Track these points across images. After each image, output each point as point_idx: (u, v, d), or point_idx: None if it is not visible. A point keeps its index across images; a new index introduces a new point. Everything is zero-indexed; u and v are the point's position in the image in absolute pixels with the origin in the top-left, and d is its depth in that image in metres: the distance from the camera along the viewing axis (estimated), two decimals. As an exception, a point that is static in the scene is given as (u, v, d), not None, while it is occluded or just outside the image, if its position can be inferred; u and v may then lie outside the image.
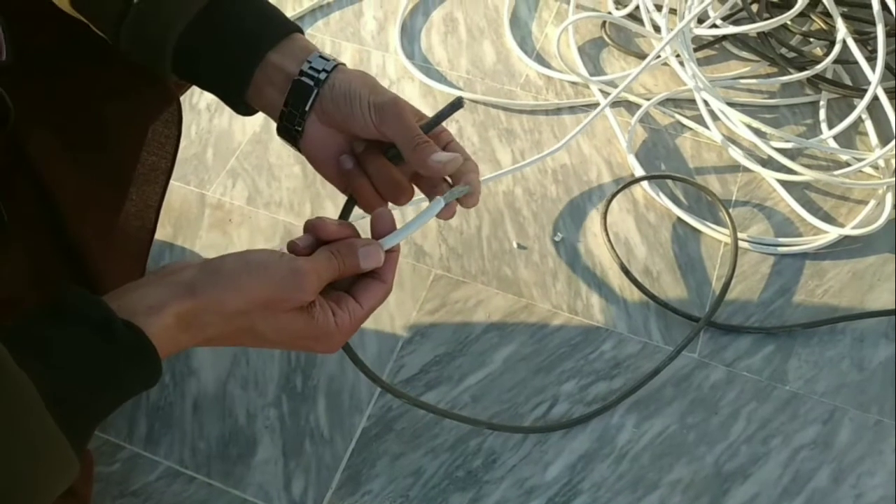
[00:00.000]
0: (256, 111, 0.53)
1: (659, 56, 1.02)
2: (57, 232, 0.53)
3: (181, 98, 0.62)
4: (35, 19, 0.51)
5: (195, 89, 1.03)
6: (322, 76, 0.49)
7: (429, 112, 0.53)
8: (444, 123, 0.52)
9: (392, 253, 0.49)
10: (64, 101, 0.53)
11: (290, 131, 0.51)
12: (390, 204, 0.52)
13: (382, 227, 0.49)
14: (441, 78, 1.07)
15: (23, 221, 0.51)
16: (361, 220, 0.54)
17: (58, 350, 0.36)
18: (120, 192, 0.58)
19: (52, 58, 0.52)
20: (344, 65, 0.50)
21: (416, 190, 0.54)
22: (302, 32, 0.52)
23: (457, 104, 0.51)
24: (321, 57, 0.50)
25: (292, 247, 0.47)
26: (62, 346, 0.37)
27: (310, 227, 0.48)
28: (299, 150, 0.53)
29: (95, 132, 0.55)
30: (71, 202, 0.52)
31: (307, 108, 0.49)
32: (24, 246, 0.52)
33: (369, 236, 0.50)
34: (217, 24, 0.49)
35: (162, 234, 0.88)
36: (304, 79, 0.49)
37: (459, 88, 1.05)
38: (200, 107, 1.01)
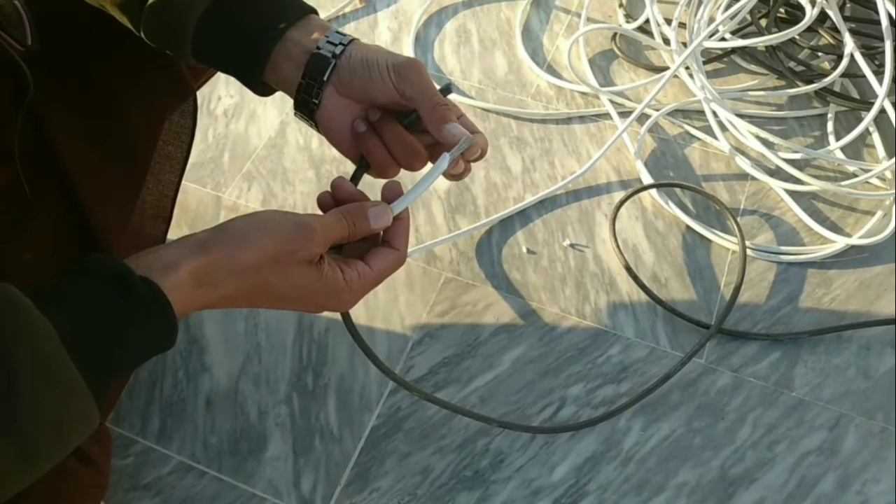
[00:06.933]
0: (274, 91, 0.55)
1: (667, 69, 1.03)
2: (78, 220, 0.54)
3: (198, 95, 0.64)
4: (60, 10, 0.53)
5: (212, 97, 1.06)
6: (339, 49, 0.51)
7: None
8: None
9: (402, 220, 0.51)
10: (85, 89, 0.55)
11: (307, 104, 0.52)
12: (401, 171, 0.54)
13: (392, 197, 0.51)
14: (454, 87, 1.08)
15: (45, 208, 0.52)
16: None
17: (76, 303, 0.37)
18: (138, 178, 0.60)
19: (74, 48, 0.54)
20: (359, 40, 0.52)
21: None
22: (317, 14, 0.54)
23: (446, 89, 0.52)
24: (338, 32, 0.52)
25: (322, 199, 0.51)
26: (80, 298, 0.38)
27: (332, 186, 0.50)
28: (316, 124, 0.54)
29: (115, 120, 0.56)
30: (90, 187, 0.54)
31: (325, 79, 0.51)
32: (47, 234, 0.53)
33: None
34: (236, 6, 0.51)
35: (178, 234, 0.89)
36: (322, 51, 0.51)
37: (471, 97, 1.07)
38: (217, 112, 1.03)
